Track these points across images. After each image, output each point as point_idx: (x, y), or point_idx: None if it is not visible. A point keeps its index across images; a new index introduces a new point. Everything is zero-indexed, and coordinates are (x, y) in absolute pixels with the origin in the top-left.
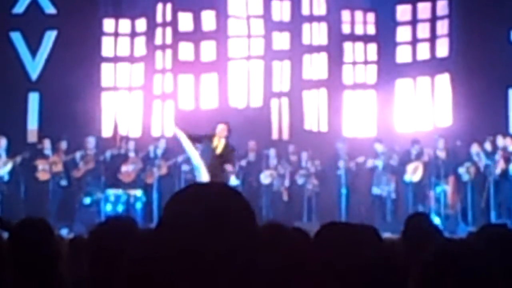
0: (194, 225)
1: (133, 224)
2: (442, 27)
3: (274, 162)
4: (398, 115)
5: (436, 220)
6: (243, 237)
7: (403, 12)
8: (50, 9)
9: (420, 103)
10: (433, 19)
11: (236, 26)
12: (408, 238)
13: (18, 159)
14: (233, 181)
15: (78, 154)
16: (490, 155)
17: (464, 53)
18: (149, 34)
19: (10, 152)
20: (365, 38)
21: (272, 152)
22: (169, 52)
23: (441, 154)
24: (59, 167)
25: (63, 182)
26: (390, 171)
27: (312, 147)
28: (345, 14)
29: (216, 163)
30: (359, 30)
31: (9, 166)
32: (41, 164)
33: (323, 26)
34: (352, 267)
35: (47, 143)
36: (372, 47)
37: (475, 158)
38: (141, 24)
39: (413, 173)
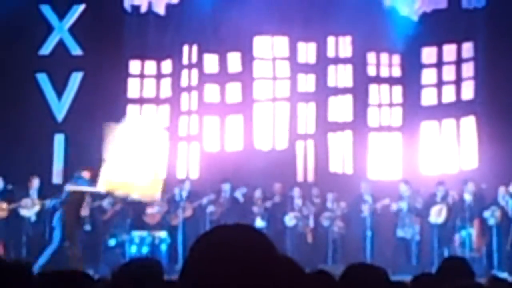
0: (220, 267)
1: (158, 265)
2: (468, 69)
3: (299, 204)
4: (423, 157)
5: None
6: (268, 279)
7: (428, 54)
8: (77, 51)
9: (446, 146)
10: (459, 62)
11: (262, 68)
12: (441, 280)
13: (48, 203)
14: (259, 223)
15: (106, 202)
16: None
17: (489, 95)
18: (175, 75)
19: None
20: (391, 80)
21: (296, 193)
22: (194, 93)
23: (468, 197)
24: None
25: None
26: (414, 214)
27: (337, 189)
28: (371, 56)
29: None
30: (384, 73)
31: (36, 207)
32: None
33: (349, 68)
34: None
35: None
36: (398, 89)
37: (501, 201)
38: (167, 65)
39: (438, 215)
